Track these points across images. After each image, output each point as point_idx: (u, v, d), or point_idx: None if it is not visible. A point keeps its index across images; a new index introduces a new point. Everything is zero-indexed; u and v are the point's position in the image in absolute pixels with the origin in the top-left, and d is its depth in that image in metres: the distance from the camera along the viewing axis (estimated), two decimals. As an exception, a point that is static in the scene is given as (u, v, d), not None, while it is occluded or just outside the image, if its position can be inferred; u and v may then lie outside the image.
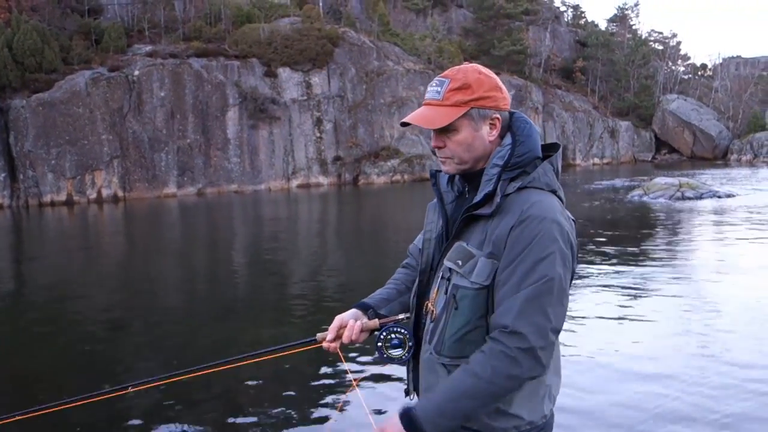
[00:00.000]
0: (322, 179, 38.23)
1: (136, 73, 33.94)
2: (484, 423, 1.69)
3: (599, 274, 9.96)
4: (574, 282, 1.77)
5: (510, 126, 1.80)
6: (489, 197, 1.70)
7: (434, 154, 1.84)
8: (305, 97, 38.38)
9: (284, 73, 37.98)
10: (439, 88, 1.75)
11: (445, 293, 1.73)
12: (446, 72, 1.80)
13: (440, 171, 1.94)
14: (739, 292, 8.60)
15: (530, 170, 1.73)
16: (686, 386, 5.21)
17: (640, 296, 8.52)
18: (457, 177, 1.89)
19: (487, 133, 1.77)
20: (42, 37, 32.44)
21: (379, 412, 4.49)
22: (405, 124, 1.83)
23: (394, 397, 4.59)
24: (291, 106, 37.82)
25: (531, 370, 1.62)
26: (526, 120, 1.81)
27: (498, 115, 1.77)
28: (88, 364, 6.76)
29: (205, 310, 9.16)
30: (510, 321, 1.61)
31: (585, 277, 9.67)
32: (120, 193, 33.07)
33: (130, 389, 2.00)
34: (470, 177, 1.82)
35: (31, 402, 5.54)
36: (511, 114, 1.81)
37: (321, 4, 45.97)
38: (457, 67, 1.81)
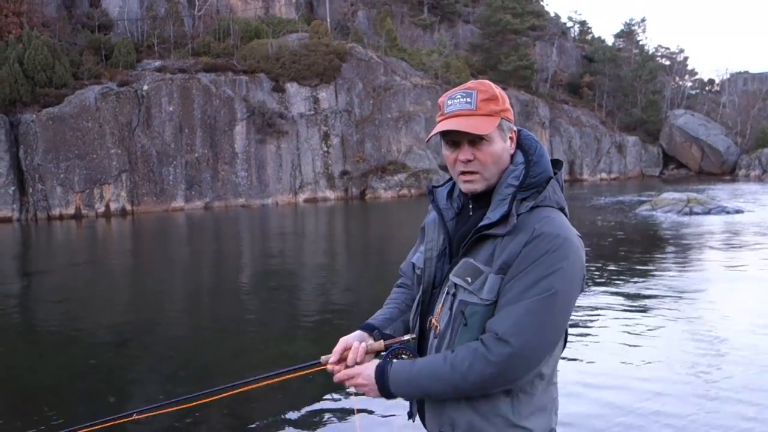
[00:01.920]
0: (329, 193, 38.32)
1: (145, 87, 34.21)
2: None
3: (605, 290, 9.91)
4: (579, 298, 1.76)
5: (519, 144, 1.80)
6: (504, 217, 1.69)
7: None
8: (313, 112, 38.58)
9: (292, 88, 38.21)
10: (469, 99, 1.72)
11: (450, 309, 1.73)
12: (466, 85, 1.78)
13: (437, 187, 1.94)
14: (748, 308, 8.54)
15: (541, 189, 1.73)
16: (690, 410, 5.15)
17: (646, 314, 8.45)
18: (456, 193, 1.88)
19: (509, 147, 1.78)
20: (52, 53, 32.78)
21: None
22: (449, 131, 1.73)
23: (397, 422, 4.57)
24: (298, 120, 38.01)
25: (504, 380, 1.64)
26: (535, 138, 1.82)
27: (515, 129, 1.79)
28: (94, 377, 6.75)
29: (211, 325, 9.15)
30: (502, 329, 1.61)
31: (591, 292, 9.62)
32: (128, 207, 33.23)
33: (135, 416, 1.99)
34: (476, 195, 1.80)
35: (36, 417, 5.54)
36: (519, 131, 1.82)
37: (329, 19, 46.32)
38: (474, 81, 1.81)
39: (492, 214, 1.71)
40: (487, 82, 1.80)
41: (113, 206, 32.93)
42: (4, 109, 31.26)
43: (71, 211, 32.04)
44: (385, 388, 1.74)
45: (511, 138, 1.78)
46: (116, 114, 33.24)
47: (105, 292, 12.60)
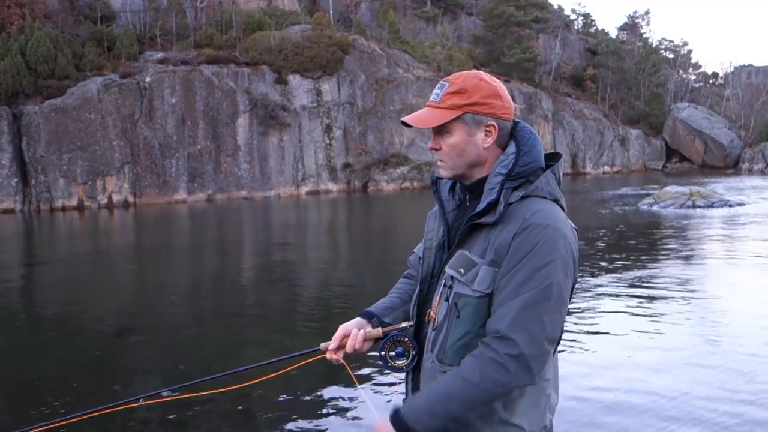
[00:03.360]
0: (332, 186, 38.30)
1: (148, 79, 34.18)
2: None
3: (606, 284, 9.91)
4: (577, 292, 1.76)
5: (514, 135, 1.80)
6: (492, 206, 1.70)
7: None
8: (315, 104, 38.51)
9: (294, 80, 38.13)
10: (439, 91, 1.78)
11: (447, 301, 1.74)
12: (449, 76, 1.82)
13: (441, 178, 1.95)
14: (750, 304, 8.55)
15: (533, 179, 1.73)
16: (692, 407, 5.14)
17: (648, 309, 8.46)
18: (458, 185, 1.90)
19: (482, 140, 1.77)
20: (55, 44, 32.75)
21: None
22: (406, 124, 1.85)
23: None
24: (301, 113, 37.96)
25: (520, 378, 1.62)
26: (530, 130, 1.81)
27: (493, 123, 1.76)
28: (97, 368, 6.80)
29: (214, 316, 9.19)
30: (503, 327, 1.61)
31: (591, 287, 9.62)
32: (131, 199, 33.26)
33: (142, 401, 2.01)
34: (471, 186, 1.82)
35: (41, 406, 5.58)
36: (516, 123, 1.82)
37: (331, 11, 46.16)
38: (460, 72, 1.83)
39: (481, 203, 1.73)
40: (473, 73, 1.80)
41: (116, 198, 32.96)
42: (7, 100, 31.25)
43: (74, 202, 32.08)
44: (402, 426, 1.67)
45: (487, 131, 1.77)
46: (119, 106, 33.23)
47: (108, 283, 12.65)
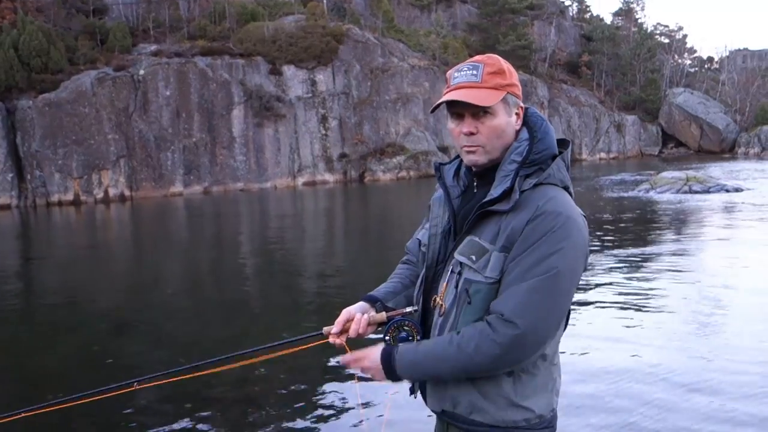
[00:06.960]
0: (328, 176, 38.24)
1: (142, 72, 34.01)
2: (494, 415, 1.70)
3: (603, 270, 9.93)
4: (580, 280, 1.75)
5: (525, 121, 1.79)
6: (506, 193, 1.69)
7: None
8: (310, 95, 38.38)
9: (289, 70, 37.98)
10: (475, 71, 1.73)
11: (456, 287, 1.73)
12: (474, 58, 1.79)
13: (445, 164, 1.93)
14: (749, 290, 8.56)
15: (545, 167, 1.72)
16: (689, 393, 5.14)
17: (645, 295, 8.47)
18: (462, 171, 1.87)
19: (514, 122, 1.77)
20: (48, 38, 32.55)
21: (369, 404, 4.49)
22: (454, 103, 1.73)
23: (397, 392, 4.57)
24: (296, 103, 37.84)
25: (513, 361, 1.65)
26: (542, 116, 1.81)
27: (522, 105, 1.78)
28: (97, 362, 6.78)
29: (213, 308, 9.18)
30: (508, 310, 1.61)
31: (588, 274, 9.63)
32: (127, 193, 33.18)
33: (136, 386, 2.00)
34: (481, 172, 1.80)
35: (39, 401, 5.57)
36: (526, 109, 1.81)
37: (325, 1, 45.93)
38: (483, 55, 1.81)
39: (495, 190, 1.71)
40: (496, 56, 1.79)
41: (112, 192, 32.87)
42: (0, 95, 31.10)
43: (70, 197, 31.99)
44: (391, 371, 1.75)
45: (517, 114, 1.77)
46: (113, 99, 33.08)
47: (106, 277, 12.62)
